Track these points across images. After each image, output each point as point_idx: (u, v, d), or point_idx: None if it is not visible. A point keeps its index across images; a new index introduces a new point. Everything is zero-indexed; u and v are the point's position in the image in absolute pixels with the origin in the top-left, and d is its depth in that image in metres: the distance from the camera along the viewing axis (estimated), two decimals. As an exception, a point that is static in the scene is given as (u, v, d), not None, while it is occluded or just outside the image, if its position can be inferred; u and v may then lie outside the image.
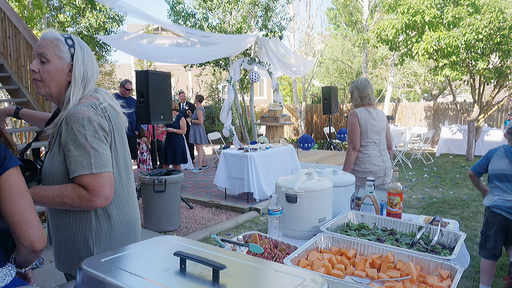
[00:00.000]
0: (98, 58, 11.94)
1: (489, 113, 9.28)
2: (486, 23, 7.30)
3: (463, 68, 8.38)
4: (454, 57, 7.91)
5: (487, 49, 8.06)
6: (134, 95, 8.50)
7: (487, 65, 8.14)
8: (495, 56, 8.20)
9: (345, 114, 13.66)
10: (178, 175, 4.77)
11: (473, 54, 8.02)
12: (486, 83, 8.81)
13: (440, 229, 1.63)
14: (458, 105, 10.08)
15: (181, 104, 9.13)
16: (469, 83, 9.09)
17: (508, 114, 10.73)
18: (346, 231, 1.74)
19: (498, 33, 7.46)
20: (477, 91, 9.05)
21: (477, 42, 7.77)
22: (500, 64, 8.30)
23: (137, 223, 1.59)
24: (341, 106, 13.81)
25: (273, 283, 0.88)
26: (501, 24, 7.40)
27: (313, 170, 1.93)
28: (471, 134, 9.21)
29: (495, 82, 8.81)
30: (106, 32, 11.73)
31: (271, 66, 8.44)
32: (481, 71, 8.26)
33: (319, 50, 17.16)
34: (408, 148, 9.89)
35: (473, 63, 8.25)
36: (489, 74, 8.32)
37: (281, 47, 8.86)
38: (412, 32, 8.62)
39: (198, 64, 10.30)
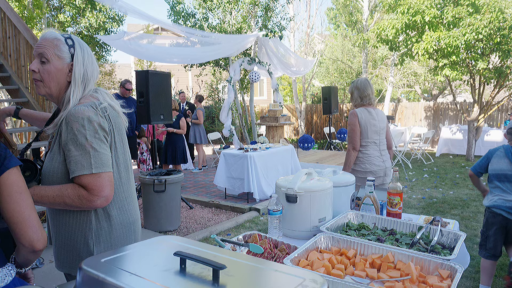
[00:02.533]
0: (98, 58, 11.94)
1: (489, 113, 9.29)
2: (486, 23, 7.30)
3: (463, 68, 8.38)
4: (454, 57, 7.91)
5: (487, 49, 8.06)
6: (134, 95, 8.51)
7: (487, 65, 8.14)
8: (495, 56, 8.19)
9: (345, 114, 13.66)
10: (178, 175, 4.77)
11: (473, 54, 8.02)
12: (486, 83, 8.81)
13: (440, 229, 1.63)
14: (458, 105, 10.09)
15: (181, 104, 9.13)
16: (469, 83, 9.09)
17: (508, 114, 10.73)
18: (346, 231, 1.74)
19: (498, 33, 7.46)
20: (477, 91, 9.05)
21: (477, 42, 7.77)
22: (500, 64, 8.30)
23: (137, 223, 1.59)
24: (341, 106, 13.81)
25: (273, 283, 0.88)
26: (501, 24, 7.40)
27: (313, 170, 1.93)
28: (471, 134, 9.21)
29: (495, 82, 8.81)
30: (106, 32, 11.73)
31: (271, 66, 8.44)
32: (481, 71, 8.26)
33: (319, 50, 17.16)
34: (408, 148, 9.89)
35: (473, 63, 8.25)
36: (489, 74, 8.32)
37: (281, 47, 8.86)
38: (412, 32, 8.62)
39: (198, 64, 10.30)
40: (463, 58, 8.19)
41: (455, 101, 9.93)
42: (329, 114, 9.61)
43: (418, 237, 1.56)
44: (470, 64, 8.41)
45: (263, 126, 13.10)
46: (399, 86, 15.44)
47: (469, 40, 7.49)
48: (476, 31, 7.38)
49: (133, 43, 6.33)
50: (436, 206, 5.61)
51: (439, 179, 7.46)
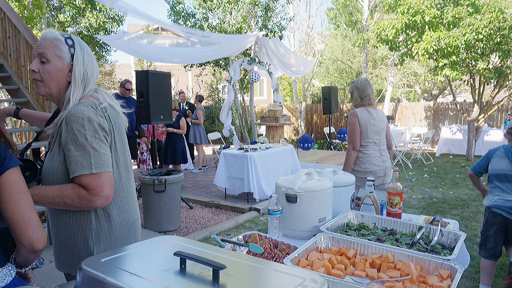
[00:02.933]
0: (98, 58, 11.94)
1: (489, 113, 9.29)
2: (486, 23, 7.30)
3: (463, 68, 8.38)
4: (454, 57, 7.91)
5: (487, 49, 8.06)
6: (134, 95, 8.51)
7: (487, 65, 8.14)
8: (495, 56, 8.19)
9: (345, 114, 13.66)
10: (178, 175, 4.77)
11: (473, 54, 8.02)
12: (486, 83, 8.81)
13: (440, 229, 1.63)
14: (458, 105, 10.09)
15: (181, 104, 9.13)
16: (469, 83, 9.10)
17: (508, 114, 10.73)
18: (346, 231, 1.74)
19: (498, 33, 7.46)
20: (477, 91, 9.05)
21: (477, 42, 7.77)
22: (500, 64, 8.30)
23: (137, 223, 1.59)
24: (341, 106, 13.81)
25: (273, 283, 0.88)
26: (501, 24, 7.40)
27: (313, 170, 1.93)
28: (471, 134, 9.21)
29: (495, 82, 8.81)
30: (106, 32, 11.73)
31: (271, 66, 8.44)
32: (481, 71, 8.26)
33: (319, 50, 17.16)
34: (408, 148, 9.90)
35: (473, 63, 8.25)
36: (489, 74, 8.32)
37: (281, 47, 8.86)
38: (412, 32, 8.62)
39: (198, 64, 10.30)
40: (463, 58, 8.19)
41: (455, 101, 9.93)
42: (329, 114, 9.61)
43: (418, 237, 1.56)
44: (470, 64, 8.41)
45: (263, 126, 13.10)
46: (399, 86, 15.45)
47: (469, 40, 7.49)
48: (476, 31, 7.38)
49: (133, 43, 6.33)
50: (436, 206, 5.61)
51: (439, 179, 7.46)
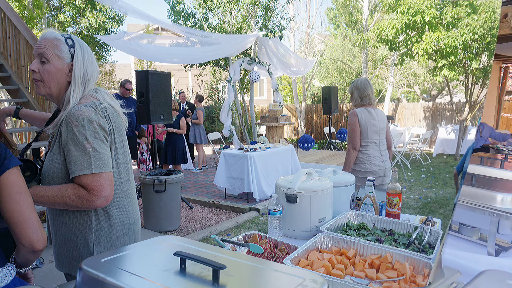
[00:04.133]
0: (98, 58, 11.93)
1: (473, 112, 9.28)
2: (481, 23, 7.33)
3: (460, 68, 8.41)
4: (452, 57, 7.92)
5: (480, 49, 8.08)
6: (134, 95, 8.51)
7: (479, 65, 8.16)
8: (485, 55, 8.22)
9: (345, 114, 13.67)
10: (178, 175, 4.77)
11: (469, 54, 8.04)
12: (476, 83, 8.83)
13: (430, 229, 1.65)
14: (454, 105, 10.09)
15: (181, 104, 9.13)
16: (464, 83, 9.11)
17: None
18: (346, 231, 1.74)
19: (489, 33, 7.48)
20: (469, 90, 9.07)
21: (473, 42, 7.79)
22: (487, 64, 8.30)
23: (137, 223, 1.59)
24: (341, 106, 13.81)
25: (273, 283, 0.88)
26: (493, 24, 7.42)
27: (313, 170, 1.93)
28: (460, 133, 9.24)
29: (481, 82, 8.82)
30: (106, 32, 11.72)
31: (271, 66, 8.44)
32: (474, 71, 8.29)
33: (319, 50, 17.17)
34: (407, 149, 9.90)
35: (469, 63, 8.28)
36: (479, 74, 8.34)
37: (281, 47, 8.86)
38: (412, 32, 8.63)
39: (198, 64, 10.30)
40: (460, 58, 8.21)
41: (451, 101, 9.94)
42: (329, 114, 9.62)
43: (413, 237, 1.58)
44: (466, 64, 8.43)
45: (263, 126, 13.10)
46: (399, 86, 15.45)
47: (466, 40, 7.51)
48: (473, 31, 7.40)
49: (133, 43, 6.33)
50: (430, 206, 5.66)
51: (434, 179, 7.49)
